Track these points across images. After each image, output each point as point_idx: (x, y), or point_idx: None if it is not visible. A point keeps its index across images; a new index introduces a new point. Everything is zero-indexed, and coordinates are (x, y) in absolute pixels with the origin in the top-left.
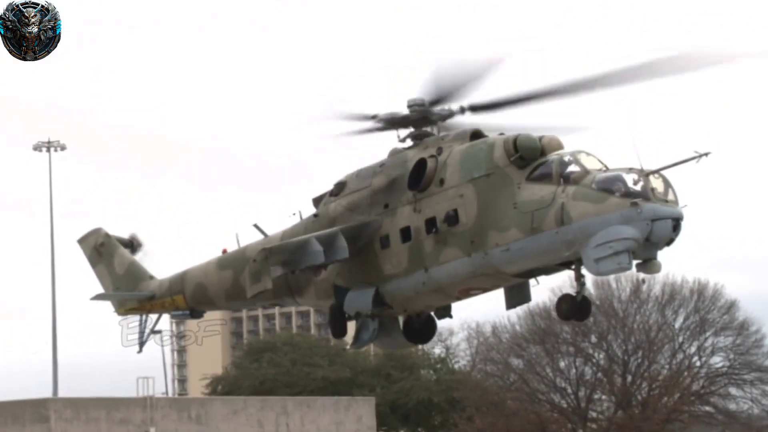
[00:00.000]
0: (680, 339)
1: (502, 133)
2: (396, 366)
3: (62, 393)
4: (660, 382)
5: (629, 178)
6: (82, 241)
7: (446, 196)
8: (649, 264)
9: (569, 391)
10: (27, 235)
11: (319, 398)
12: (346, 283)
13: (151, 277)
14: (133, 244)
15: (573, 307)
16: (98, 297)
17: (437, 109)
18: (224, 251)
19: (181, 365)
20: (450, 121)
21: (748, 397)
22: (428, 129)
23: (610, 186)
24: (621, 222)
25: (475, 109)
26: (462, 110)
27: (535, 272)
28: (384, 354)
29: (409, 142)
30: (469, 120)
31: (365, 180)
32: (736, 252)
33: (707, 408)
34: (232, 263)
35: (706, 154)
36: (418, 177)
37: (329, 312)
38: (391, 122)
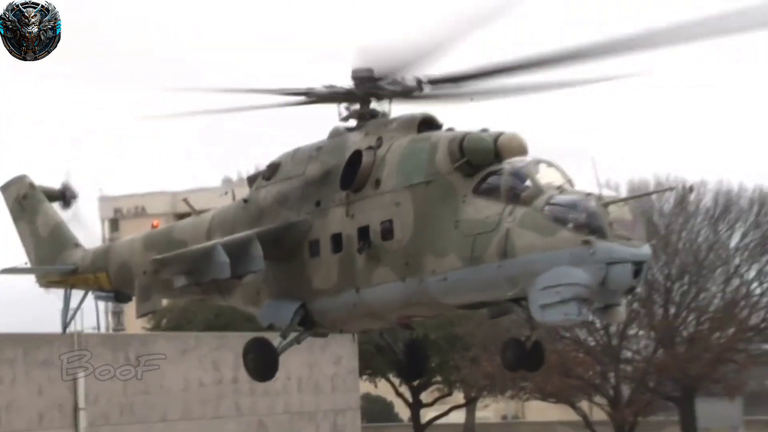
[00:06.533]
0: (736, 261)
1: (451, 129)
2: None
3: None
4: (710, 314)
5: (585, 207)
6: (4, 190)
7: (381, 203)
8: (609, 311)
9: (598, 325)
10: None
11: None
12: (270, 292)
13: (77, 245)
14: (65, 196)
15: (521, 354)
16: (7, 271)
17: (388, 82)
18: (154, 225)
19: None
20: (404, 100)
21: None
22: (376, 107)
23: (563, 214)
24: (570, 263)
25: (435, 82)
26: (419, 84)
27: (482, 305)
28: None
29: (353, 121)
30: (425, 101)
31: (300, 165)
32: None
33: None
34: (158, 245)
35: (671, 189)
36: (352, 174)
37: (246, 349)
38: (330, 98)
